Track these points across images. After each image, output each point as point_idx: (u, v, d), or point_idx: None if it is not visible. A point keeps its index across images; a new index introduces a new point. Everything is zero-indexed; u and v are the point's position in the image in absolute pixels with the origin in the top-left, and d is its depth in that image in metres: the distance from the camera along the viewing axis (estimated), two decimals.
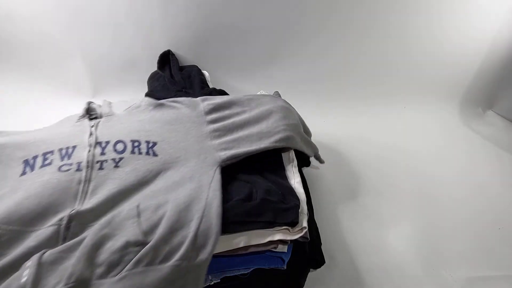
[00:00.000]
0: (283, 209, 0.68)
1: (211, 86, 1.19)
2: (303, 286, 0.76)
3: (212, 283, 0.67)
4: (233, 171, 0.80)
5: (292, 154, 0.88)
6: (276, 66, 1.41)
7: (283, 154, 0.88)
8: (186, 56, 1.36)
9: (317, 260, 0.77)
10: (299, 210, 0.70)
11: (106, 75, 1.37)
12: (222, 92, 1.13)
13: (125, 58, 1.34)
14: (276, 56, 1.40)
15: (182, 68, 1.29)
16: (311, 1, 1.27)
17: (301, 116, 0.97)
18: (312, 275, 0.82)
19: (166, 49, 1.32)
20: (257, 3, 1.26)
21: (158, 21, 1.27)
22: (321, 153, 1.15)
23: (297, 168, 0.85)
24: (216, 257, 0.66)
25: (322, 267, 0.79)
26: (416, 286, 0.84)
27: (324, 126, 1.24)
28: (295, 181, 0.81)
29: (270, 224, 0.66)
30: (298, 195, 0.75)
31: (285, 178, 0.81)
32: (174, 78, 1.19)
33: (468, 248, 0.94)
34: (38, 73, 1.32)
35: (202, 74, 1.26)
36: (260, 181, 0.75)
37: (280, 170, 0.83)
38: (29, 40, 1.27)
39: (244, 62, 1.40)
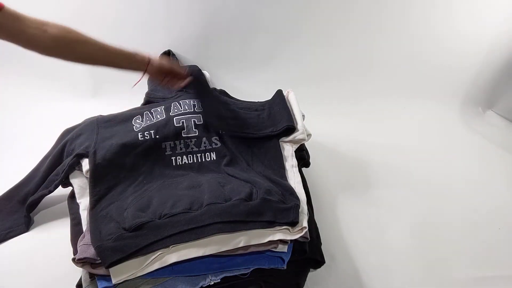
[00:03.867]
0: (283, 209, 0.68)
1: (211, 86, 1.19)
2: (303, 286, 0.76)
3: (212, 283, 0.67)
4: (233, 171, 0.80)
5: (293, 154, 0.88)
6: (276, 66, 1.41)
7: (283, 154, 0.88)
8: (186, 56, 1.36)
9: (317, 260, 0.77)
10: (299, 210, 0.70)
11: (106, 75, 1.35)
12: (223, 92, 1.13)
13: None
14: (276, 56, 1.40)
15: None
16: (311, 2, 1.27)
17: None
18: (312, 275, 0.82)
19: (166, 49, 1.32)
20: (257, 4, 1.26)
21: (158, 21, 1.27)
22: (320, 154, 1.15)
23: (297, 168, 0.85)
24: (216, 257, 0.66)
25: (322, 267, 0.79)
26: (416, 286, 0.84)
27: (324, 126, 1.24)
28: (295, 181, 0.81)
29: (270, 224, 0.66)
30: (298, 195, 0.75)
31: (285, 178, 0.81)
32: None
33: (468, 248, 0.93)
34: (38, 73, 1.32)
35: (203, 74, 1.26)
36: (260, 181, 0.75)
37: (280, 170, 0.83)
38: None
39: (244, 62, 1.40)
